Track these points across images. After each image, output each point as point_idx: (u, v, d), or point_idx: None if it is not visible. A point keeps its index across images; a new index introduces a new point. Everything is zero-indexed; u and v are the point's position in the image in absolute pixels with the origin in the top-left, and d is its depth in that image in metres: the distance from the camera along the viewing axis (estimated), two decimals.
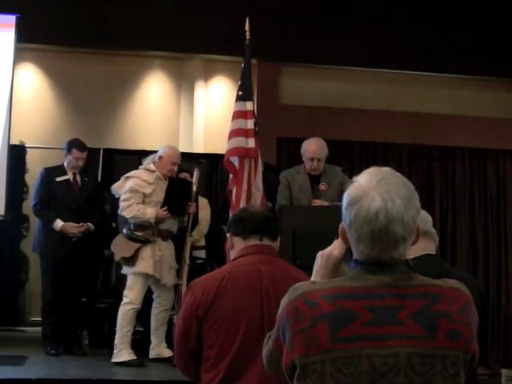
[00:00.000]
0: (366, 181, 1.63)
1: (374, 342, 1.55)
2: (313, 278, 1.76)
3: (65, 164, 6.43)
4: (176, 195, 5.98)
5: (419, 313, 1.58)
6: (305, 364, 1.57)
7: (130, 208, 5.79)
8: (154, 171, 5.93)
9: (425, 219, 3.01)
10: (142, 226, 5.83)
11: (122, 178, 5.96)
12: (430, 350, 1.56)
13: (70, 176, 6.38)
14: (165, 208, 5.83)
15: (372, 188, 1.61)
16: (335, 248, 1.75)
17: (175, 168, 6.01)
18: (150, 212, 5.78)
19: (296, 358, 1.59)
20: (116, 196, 6.00)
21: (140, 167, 6.01)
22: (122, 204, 5.84)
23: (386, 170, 1.67)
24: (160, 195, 5.90)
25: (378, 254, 1.60)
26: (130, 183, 5.86)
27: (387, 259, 1.61)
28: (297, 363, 1.59)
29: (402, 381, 1.54)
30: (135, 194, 5.82)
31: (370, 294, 1.59)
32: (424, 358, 1.56)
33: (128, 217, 5.81)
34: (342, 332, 1.56)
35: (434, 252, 3.07)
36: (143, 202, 5.84)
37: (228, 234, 2.79)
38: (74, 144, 6.41)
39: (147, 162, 6.01)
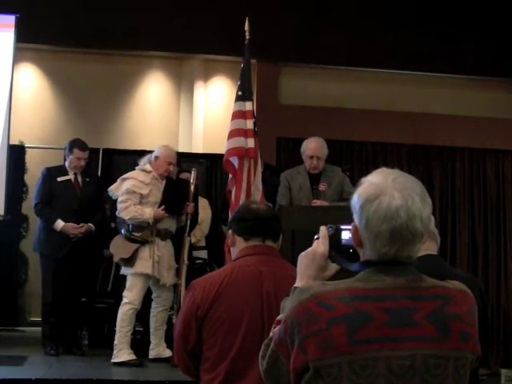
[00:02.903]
0: (379, 180, 1.62)
1: (390, 344, 1.54)
2: (300, 280, 1.73)
3: (66, 164, 6.43)
4: (173, 195, 5.98)
5: (433, 314, 1.58)
6: (319, 367, 1.55)
7: (127, 209, 5.79)
8: (150, 172, 5.92)
9: None
10: (139, 226, 5.83)
11: (119, 180, 5.96)
12: (443, 351, 1.57)
13: (71, 176, 6.38)
14: (162, 207, 5.83)
15: (388, 186, 1.60)
16: (319, 246, 1.74)
17: (171, 168, 6.00)
18: (148, 212, 5.78)
19: (310, 360, 1.56)
20: (113, 198, 5.99)
21: (136, 168, 6.00)
22: (119, 206, 5.83)
23: (395, 170, 1.67)
24: (157, 195, 5.90)
25: (396, 252, 1.60)
26: (126, 185, 5.86)
27: (404, 257, 1.61)
28: (310, 366, 1.56)
29: (417, 382, 1.54)
30: (132, 196, 5.82)
31: (386, 296, 1.58)
32: (438, 360, 1.56)
33: (126, 218, 5.80)
34: (359, 334, 1.54)
35: (435, 252, 3.06)
36: (140, 203, 5.83)
37: (230, 231, 2.75)
38: (76, 144, 6.41)
39: (143, 163, 6.01)
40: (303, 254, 1.76)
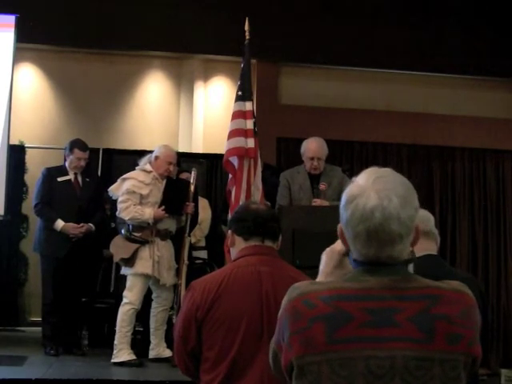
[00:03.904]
0: (363, 180, 1.62)
1: (370, 344, 1.54)
2: (319, 277, 1.75)
3: (66, 164, 6.43)
4: (173, 195, 5.98)
5: (417, 315, 1.56)
6: (302, 364, 1.57)
7: (128, 210, 5.78)
8: (150, 172, 5.92)
9: (426, 219, 3.01)
10: (140, 226, 5.82)
11: (119, 180, 5.96)
12: (427, 353, 1.54)
13: (71, 176, 6.39)
14: (162, 207, 5.83)
15: (368, 186, 1.59)
16: (338, 244, 1.74)
17: (171, 167, 6.00)
18: (148, 212, 5.78)
19: (294, 358, 1.59)
20: (113, 198, 5.99)
21: (136, 168, 6.00)
22: (119, 206, 5.83)
23: (384, 169, 1.66)
24: (157, 195, 5.90)
25: (376, 253, 1.59)
26: (126, 185, 5.85)
27: (385, 258, 1.59)
28: (294, 363, 1.58)
29: None
30: (132, 196, 5.81)
31: (368, 296, 1.57)
32: (421, 362, 1.53)
33: (126, 218, 5.80)
34: (337, 333, 1.55)
35: (435, 252, 3.07)
36: (140, 203, 5.83)
37: (229, 231, 2.76)
38: (76, 144, 6.42)
39: (143, 163, 6.01)
40: (324, 251, 1.77)
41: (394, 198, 1.57)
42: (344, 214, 1.62)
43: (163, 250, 5.89)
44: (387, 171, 1.65)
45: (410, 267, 1.73)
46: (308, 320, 1.57)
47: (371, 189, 1.59)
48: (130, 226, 5.85)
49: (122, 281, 6.09)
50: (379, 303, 1.56)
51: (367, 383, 1.52)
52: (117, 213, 5.88)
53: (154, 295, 5.98)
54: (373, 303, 1.56)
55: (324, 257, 1.76)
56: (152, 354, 5.93)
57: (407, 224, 1.58)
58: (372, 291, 1.57)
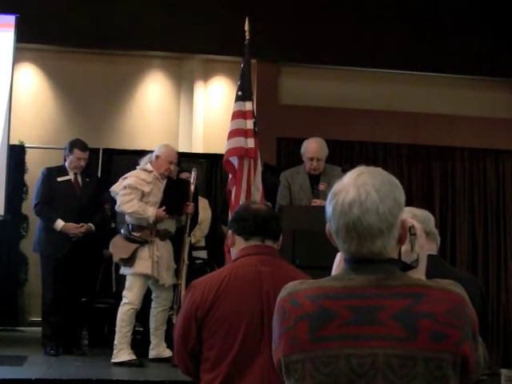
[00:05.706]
0: (347, 178, 1.63)
1: (352, 342, 1.53)
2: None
3: (66, 164, 6.43)
4: (174, 195, 5.98)
5: (400, 313, 1.54)
6: (288, 363, 1.59)
7: (131, 203, 5.76)
8: (151, 171, 5.92)
9: (427, 219, 3.01)
10: (139, 226, 5.82)
11: (120, 179, 5.95)
12: (410, 351, 1.52)
13: (71, 176, 6.39)
14: (163, 208, 5.83)
15: (350, 183, 1.61)
16: None
17: (172, 167, 6.00)
18: (151, 211, 5.77)
19: (281, 356, 1.60)
20: (115, 198, 5.96)
21: (137, 167, 6.00)
22: (121, 199, 5.78)
23: (371, 167, 1.66)
24: (157, 195, 5.89)
25: (357, 249, 1.59)
26: (128, 181, 5.84)
27: (367, 254, 1.59)
28: (282, 362, 1.60)
29: (380, 382, 1.51)
30: (134, 191, 5.81)
31: (353, 294, 1.57)
32: (404, 360, 1.52)
33: (129, 211, 5.76)
34: (320, 331, 1.55)
35: (435, 252, 3.06)
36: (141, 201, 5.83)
37: (230, 231, 2.76)
38: (76, 144, 6.42)
39: (144, 162, 6.00)
40: (338, 252, 1.78)
41: (373, 193, 1.57)
42: (327, 211, 1.63)
43: (162, 250, 5.89)
44: (373, 169, 1.65)
45: (422, 271, 1.71)
46: (293, 319, 1.58)
47: (352, 184, 1.60)
48: (130, 226, 5.85)
49: (121, 281, 6.09)
50: (363, 301, 1.56)
51: (350, 381, 1.52)
52: (116, 206, 5.84)
53: (153, 295, 5.98)
54: (357, 301, 1.56)
55: (336, 258, 1.76)
56: (152, 353, 5.93)
57: (387, 218, 1.57)
58: (357, 289, 1.57)
